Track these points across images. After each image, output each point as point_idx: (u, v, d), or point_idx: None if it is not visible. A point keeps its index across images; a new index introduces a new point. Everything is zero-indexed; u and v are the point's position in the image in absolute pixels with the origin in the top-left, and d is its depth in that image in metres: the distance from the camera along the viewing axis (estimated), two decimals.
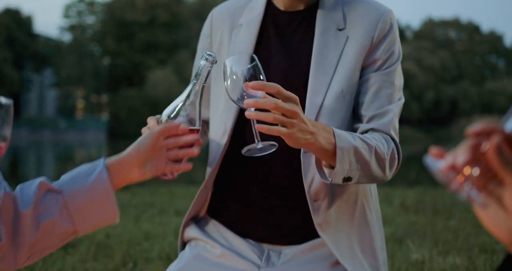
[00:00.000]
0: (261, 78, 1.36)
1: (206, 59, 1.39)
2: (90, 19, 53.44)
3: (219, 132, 1.70)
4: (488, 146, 0.64)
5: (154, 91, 45.75)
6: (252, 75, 1.35)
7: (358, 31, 1.64)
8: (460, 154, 0.66)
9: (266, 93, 1.33)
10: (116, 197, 1.22)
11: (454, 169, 0.66)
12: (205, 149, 1.68)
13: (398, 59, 1.66)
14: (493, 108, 54.53)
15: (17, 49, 46.67)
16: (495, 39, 64.49)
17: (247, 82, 1.33)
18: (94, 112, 54.02)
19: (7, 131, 1.08)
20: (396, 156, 1.56)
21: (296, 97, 1.33)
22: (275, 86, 1.30)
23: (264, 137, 1.37)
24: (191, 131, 1.37)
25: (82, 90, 53.24)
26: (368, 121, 1.59)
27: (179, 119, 1.37)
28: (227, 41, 1.75)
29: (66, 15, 52.47)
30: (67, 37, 53.42)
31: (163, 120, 1.39)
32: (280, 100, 1.30)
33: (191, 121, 1.39)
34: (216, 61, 1.40)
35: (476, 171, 0.66)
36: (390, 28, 1.65)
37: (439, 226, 4.81)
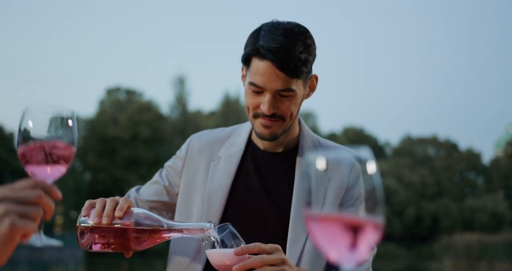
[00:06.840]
0: (240, 243, 1.41)
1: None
2: None
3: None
4: None
5: None
6: (232, 244, 1.40)
7: (336, 176, 1.66)
8: None
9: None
10: None
11: None
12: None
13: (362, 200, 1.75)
14: (474, 225, 54.33)
15: None
16: (473, 157, 65.40)
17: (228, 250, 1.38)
18: (73, 228, 53.02)
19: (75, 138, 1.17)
20: None
21: (278, 246, 1.39)
22: (257, 246, 1.36)
23: None
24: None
25: (61, 206, 52.60)
26: None
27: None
28: (204, 172, 1.77)
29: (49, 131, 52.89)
30: None
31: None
32: (264, 255, 1.35)
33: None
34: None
35: None
36: (359, 174, 1.73)
37: None
